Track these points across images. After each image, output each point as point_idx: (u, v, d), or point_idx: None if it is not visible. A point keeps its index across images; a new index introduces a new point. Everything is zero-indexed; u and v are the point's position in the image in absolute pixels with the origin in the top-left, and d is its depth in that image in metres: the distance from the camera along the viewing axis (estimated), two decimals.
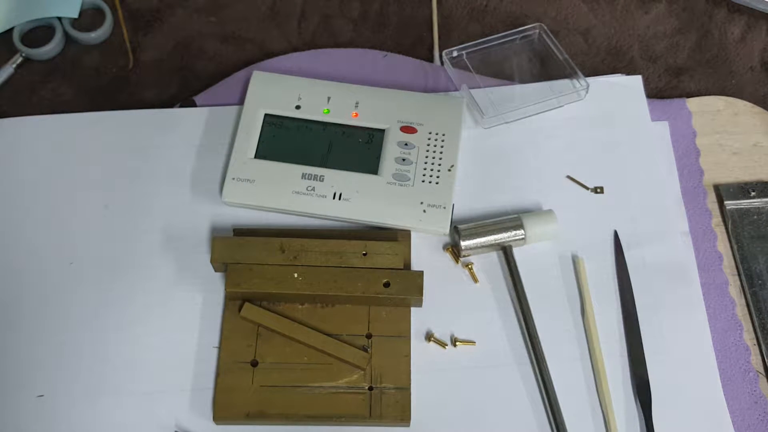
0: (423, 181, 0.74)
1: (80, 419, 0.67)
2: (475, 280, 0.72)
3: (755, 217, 0.75)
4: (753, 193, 0.76)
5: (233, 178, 0.74)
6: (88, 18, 0.88)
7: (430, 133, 0.76)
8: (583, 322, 0.70)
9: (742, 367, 0.69)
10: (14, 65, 0.84)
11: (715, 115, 0.81)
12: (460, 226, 0.72)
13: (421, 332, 0.70)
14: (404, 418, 0.65)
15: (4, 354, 0.69)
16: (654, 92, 0.83)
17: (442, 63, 0.83)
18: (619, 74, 0.83)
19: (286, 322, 0.68)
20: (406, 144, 0.76)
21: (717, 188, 0.77)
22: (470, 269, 0.73)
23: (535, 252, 0.73)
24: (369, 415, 0.65)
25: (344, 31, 0.88)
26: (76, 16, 0.86)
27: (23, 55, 0.85)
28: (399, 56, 0.84)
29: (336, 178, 0.74)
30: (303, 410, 0.66)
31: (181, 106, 0.81)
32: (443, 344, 0.69)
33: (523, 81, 0.82)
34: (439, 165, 0.75)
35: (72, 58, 0.86)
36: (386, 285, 0.68)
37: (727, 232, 0.75)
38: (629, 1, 0.89)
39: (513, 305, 0.71)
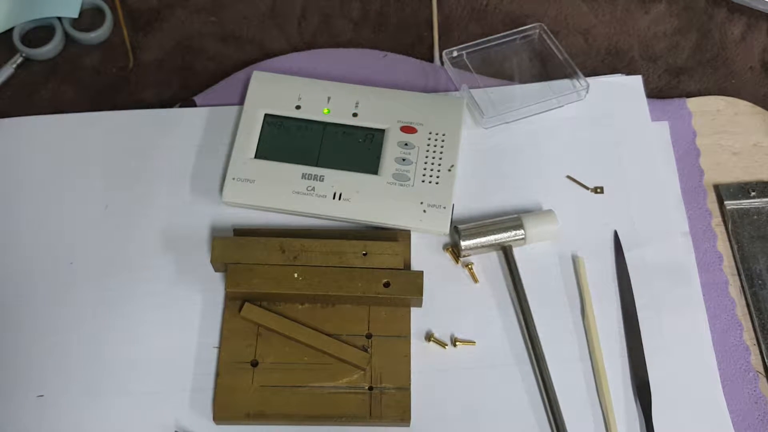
0: (423, 181, 0.74)
1: (80, 419, 0.67)
2: (475, 280, 0.72)
3: (755, 217, 0.75)
4: (753, 193, 0.76)
5: (233, 178, 0.74)
6: (88, 18, 0.88)
7: (430, 133, 0.76)
8: (583, 322, 0.70)
9: (742, 367, 0.69)
10: (14, 65, 0.84)
11: (715, 115, 0.81)
12: (460, 226, 0.72)
13: (421, 332, 0.70)
14: (404, 418, 0.65)
15: (4, 354, 0.69)
16: (654, 92, 0.83)
17: (442, 63, 0.83)
18: (619, 74, 0.83)
19: (286, 322, 0.68)
20: (406, 144, 0.76)
21: (717, 188, 0.77)
22: (470, 269, 0.73)
23: (535, 252, 0.73)
24: (369, 415, 0.65)
25: (344, 31, 0.87)
26: (76, 16, 0.86)
27: (23, 55, 0.85)
28: (399, 56, 0.84)
29: (336, 178, 0.74)
30: (303, 410, 0.65)
31: (181, 106, 0.81)
32: (443, 344, 0.69)
33: (523, 81, 0.82)
34: (439, 165, 0.75)
35: (72, 58, 0.86)
36: (386, 285, 0.68)
37: (727, 232, 0.75)
38: (629, 1, 0.89)
39: (513, 305, 0.71)
